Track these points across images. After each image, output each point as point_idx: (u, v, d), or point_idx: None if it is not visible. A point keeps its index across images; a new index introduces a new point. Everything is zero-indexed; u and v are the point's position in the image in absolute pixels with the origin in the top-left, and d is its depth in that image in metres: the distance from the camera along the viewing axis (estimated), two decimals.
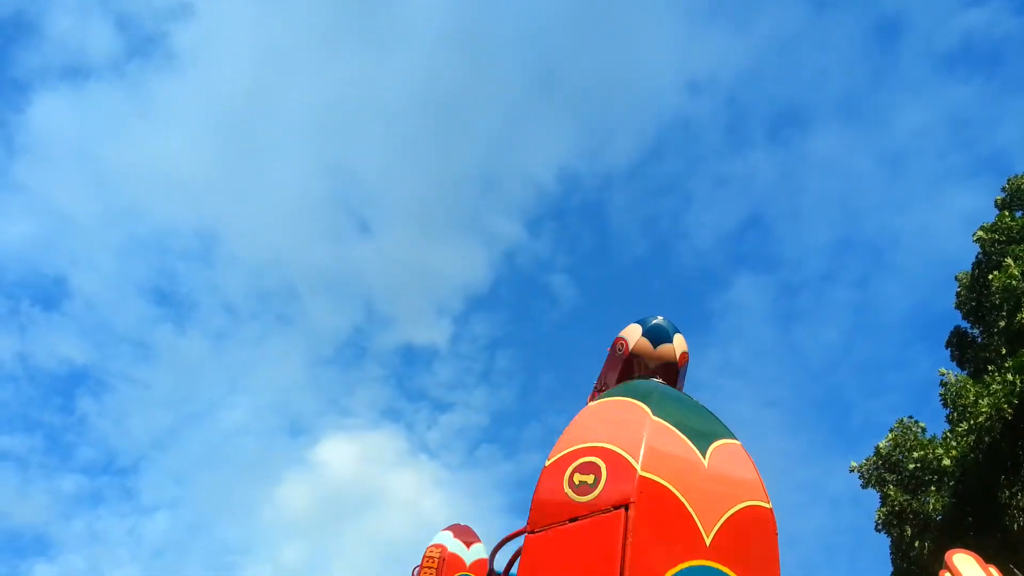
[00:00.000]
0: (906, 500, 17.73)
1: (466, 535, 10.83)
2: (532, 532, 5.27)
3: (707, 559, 4.91)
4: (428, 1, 63.67)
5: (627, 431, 5.57)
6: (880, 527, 18.22)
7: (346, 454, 64.16)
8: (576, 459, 5.40)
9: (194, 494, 64.97)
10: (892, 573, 18.60)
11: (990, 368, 18.09)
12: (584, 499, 5.14)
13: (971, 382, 17.54)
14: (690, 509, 5.09)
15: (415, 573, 10.65)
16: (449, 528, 11.12)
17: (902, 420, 19.39)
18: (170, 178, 67.09)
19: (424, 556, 10.56)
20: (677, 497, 5.10)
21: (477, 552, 10.63)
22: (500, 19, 64.40)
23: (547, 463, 5.59)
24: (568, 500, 5.13)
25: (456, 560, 10.54)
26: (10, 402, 63.82)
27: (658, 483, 5.13)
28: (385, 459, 64.85)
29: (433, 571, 10.47)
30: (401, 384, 69.69)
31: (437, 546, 10.90)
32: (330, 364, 69.24)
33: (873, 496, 18.75)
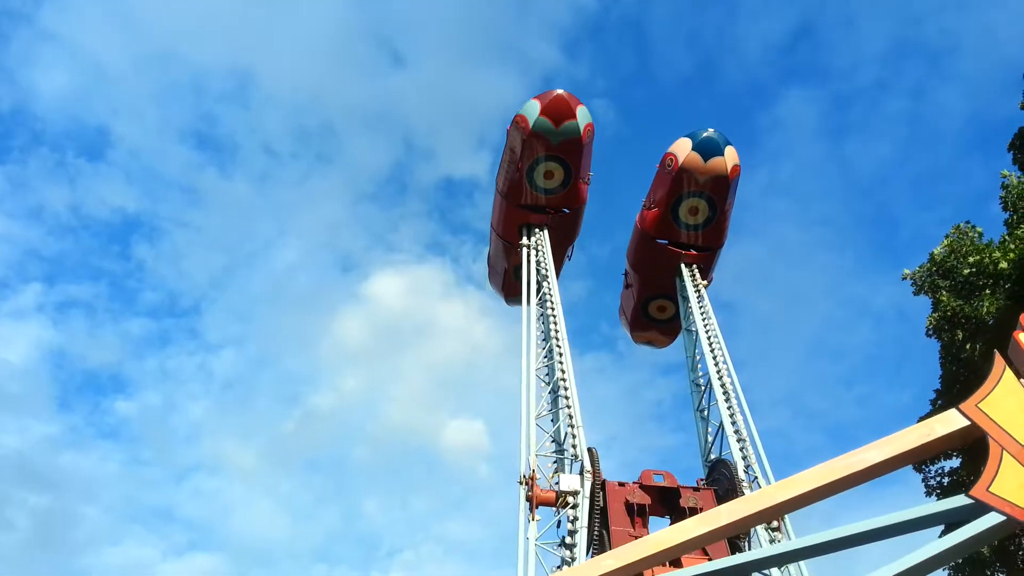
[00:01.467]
0: (959, 305, 17.27)
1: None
2: None
3: None
4: None
5: None
6: (931, 332, 17.77)
7: (395, 287, 63.92)
8: None
9: (256, 330, 63.96)
10: (941, 376, 18.29)
11: None
12: None
13: None
14: None
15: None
16: None
17: (958, 226, 17.56)
18: (200, 18, 61.46)
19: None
20: None
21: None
22: None
23: None
24: None
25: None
26: (70, 251, 61.46)
27: None
28: (433, 291, 64.05)
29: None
30: (444, 218, 67.30)
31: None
32: (373, 200, 68.11)
33: (920, 307, 18.49)
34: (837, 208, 62.55)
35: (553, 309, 20.60)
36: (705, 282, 22.50)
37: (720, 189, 22.72)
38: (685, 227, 23.10)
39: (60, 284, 64.23)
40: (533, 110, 22.30)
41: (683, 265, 22.72)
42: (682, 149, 23.16)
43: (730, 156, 23.05)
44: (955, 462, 18.83)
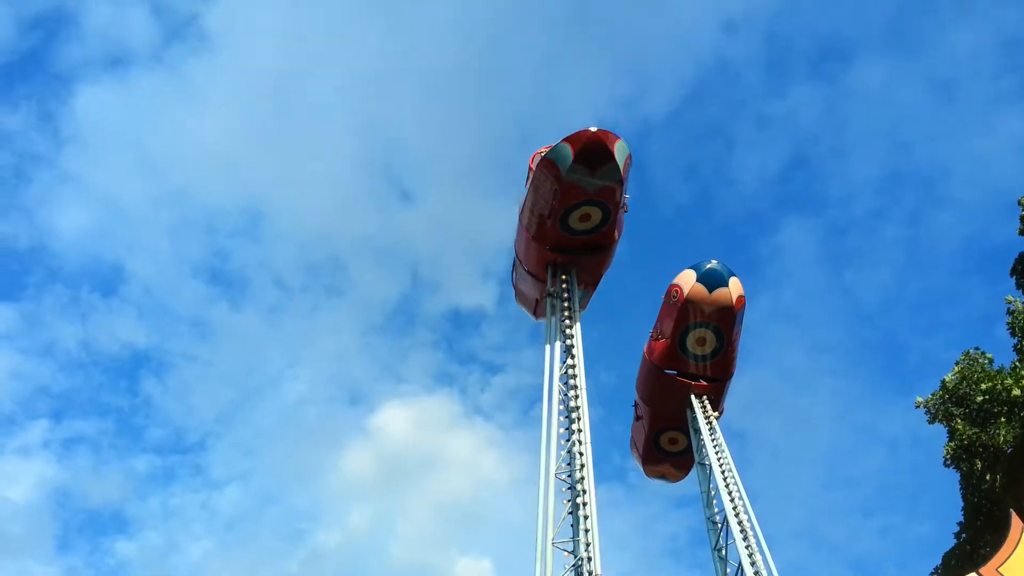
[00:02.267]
0: (975, 433, 17.10)
1: None
2: None
3: None
4: None
5: None
6: (949, 462, 17.54)
7: (403, 419, 64.23)
8: None
9: (262, 465, 64.19)
10: (963, 508, 17.82)
11: None
12: None
13: None
14: None
15: None
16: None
17: (968, 352, 17.52)
18: (214, 158, 64.80)
19: None
20: None
21: None
22: None
23: None
24: None
25: None
26: (81, 388, 62.02)
27: None
28: (441, 423, 64.71)
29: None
30: (452, 348, 68.83)
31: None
32: (381, 332, 69.93)
33: (935, 435, 18.01)
34: (842, 334, 63.01)
35: (576, 395, 19.38)
36: (716, 413, 22.34)
37: (726, 320, 22.87)
38: (694, 358, 23.15)
39: (67, 420, 64.69)
40: (564, 157, 19.57)
41: (693, 396, 22.63)
42: (687, 280, 23.42)
43: (735, 287, 23.29)
44: None
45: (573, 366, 19.96)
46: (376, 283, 72.17)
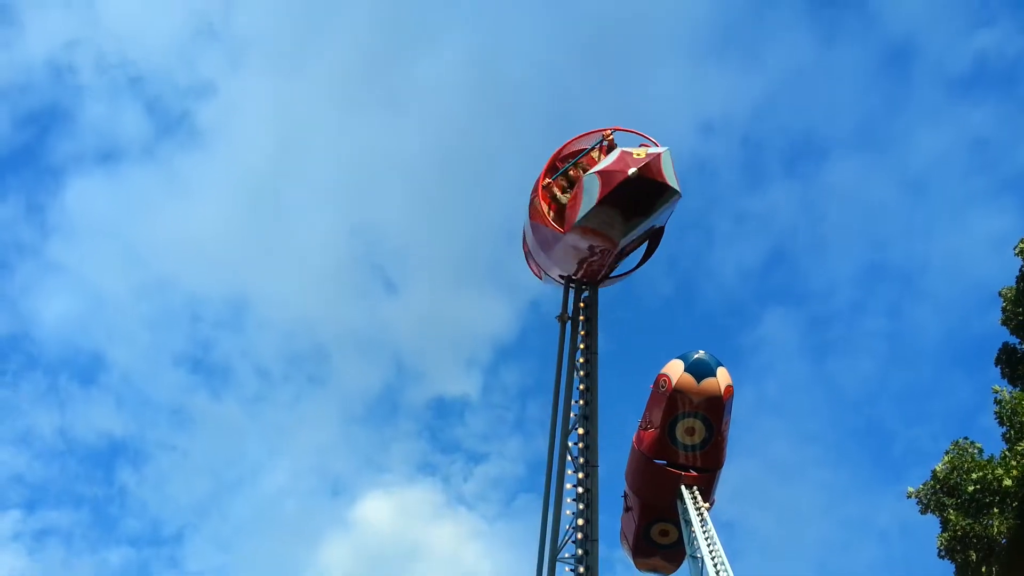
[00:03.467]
0: (968, 524, 17.12)
1: None
2: None
3: None
4: (438, 58, 62.37)
5: None
6: (943, 553, 17.46)
7: (384, 511, 62.20)
8: None
9: (239, 560, 61.96)
10: None
11: None
12: None
13: None
14: None
15: None
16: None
17: (957, 442, 17.58)
18: (199, 249, 66.62)
19: None
20: None
21: None
22: (510, 68, 63.89)
23: None
24: None
25: None
26: (56, 477, 60.60)
27: None
28: (423, 513, 63.31)
29: None
30: (435, 437, 67.98)
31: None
32: (363, 422, 68.82)
33: (926, 525, 17.84)
34: (827, 424, 63.84)
35: (588, 473, 19.04)
36: (707, 504, 22.07)
37: (715, 410, 22.83)
38: (683, 447, 22.93)
39: (40, 511, 62.46)
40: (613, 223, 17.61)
41: (684, 487, 22.33)
42: (675, 370, 23.41)
43: (722, 377, 23.28)
44: None
45: (586, 434, 19.64)
46: (359, 373, 71.41)
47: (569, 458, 19.21)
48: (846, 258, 65.41)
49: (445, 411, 71.76)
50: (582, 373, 19.94)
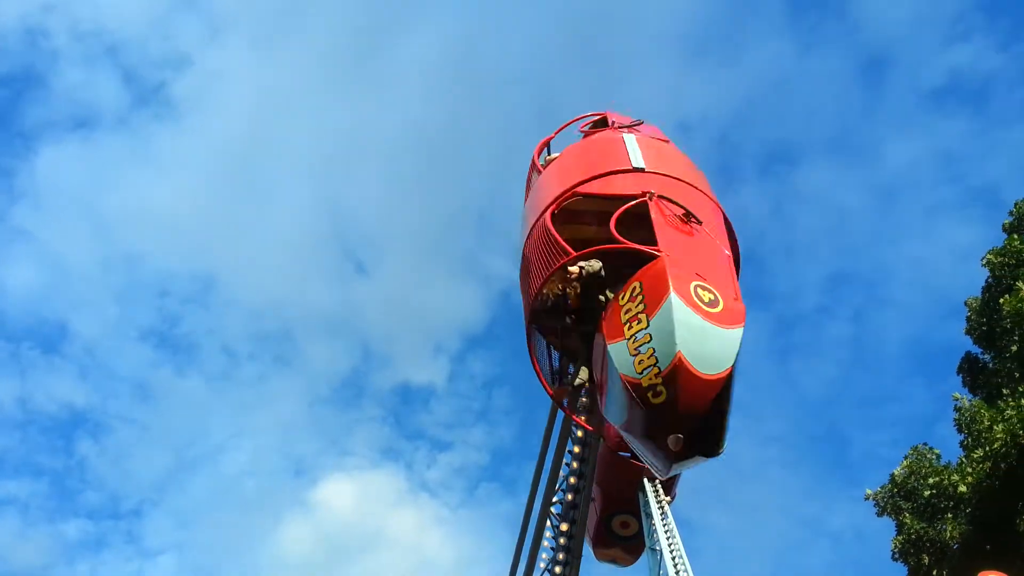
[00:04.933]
0: (923, 528, 17.55)
1: None
2: None
3: None
4: (421, 42, 62.55)
5: None
6: (897, 556, 17.89)
7: (346, 494, 62.14)
8: None
9: (198, 537, 64.07)
10: None
11: (1004, 393, 17.65)
12: None
13: (985, 407, 17.28)
14: None
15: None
16: None
17: (916, 447, 18.15)
18: (169, 223, 67.37)
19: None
20: None
21: None
22: (493, 57, 63.69)
23: None
24: None
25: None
26: (15, 447, 60.81)
27: None
28: (385, 498, 62.95)
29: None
30: (399, 423, 67.99)
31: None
32: (328, 404, 68.11)
33: (879, 529, 18.56)
34: (788, 426, 62.60)
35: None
36: (669, 498, 20.37)
37: None
38: None
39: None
40: None
41: (646, 480, 20.47)
42: None
43: None
44: None
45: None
46: (326, 355, 70.51)
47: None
48: (814, 262, 65.73)
49: (411, 398, 72.00)
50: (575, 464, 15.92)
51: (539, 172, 15.12)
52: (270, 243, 70.03)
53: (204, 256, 69.08)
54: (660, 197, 11.77)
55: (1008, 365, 17.58)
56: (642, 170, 12.60)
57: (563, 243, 11.78)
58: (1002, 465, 16.29)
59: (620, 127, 14.99)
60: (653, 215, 11.46)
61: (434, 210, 70.80)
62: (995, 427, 16.45)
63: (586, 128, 16.13)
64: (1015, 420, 16.16)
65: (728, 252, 11.83)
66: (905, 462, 18.93)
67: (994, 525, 16.28)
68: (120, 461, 63.72)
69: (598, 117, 16.21)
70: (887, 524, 19.12)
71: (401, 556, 61.30)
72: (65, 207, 66.17)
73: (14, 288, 63.55)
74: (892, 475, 18.93)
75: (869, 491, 19.30)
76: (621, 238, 11.24)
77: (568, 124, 16.00)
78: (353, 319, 72.24)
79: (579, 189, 12.63)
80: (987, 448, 16.51)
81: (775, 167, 68.94)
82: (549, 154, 15.80)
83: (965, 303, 19.52)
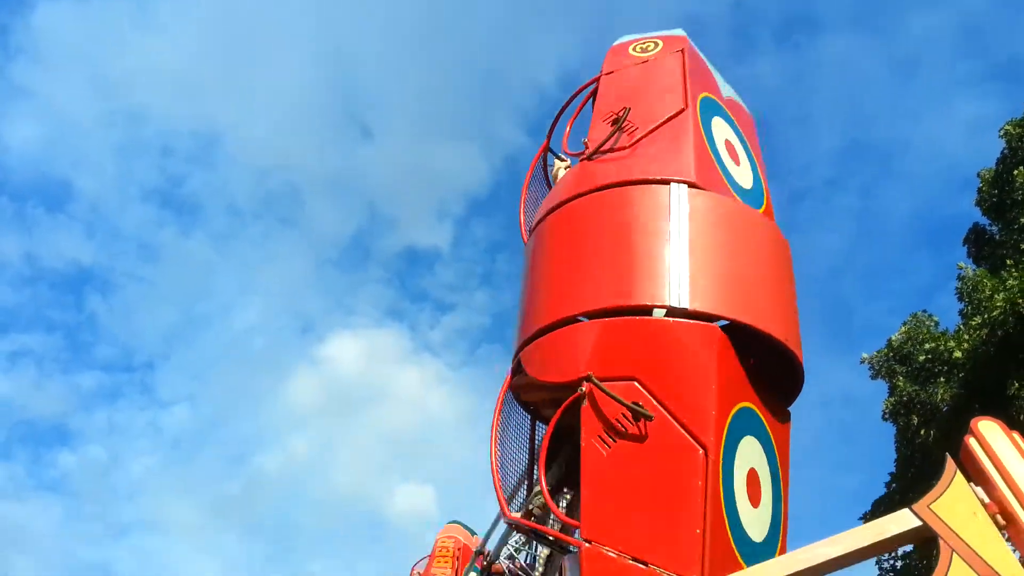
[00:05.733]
0: (915, 390, 17.99)
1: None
2: None
3: None
4: None
5: None
6: (887, 416, 18.49)
7: (352, 351, 64.36)
8: None
9: (209, 389, 67.35)
10: (896, 460, 18.87)
11: (1008, 263, 17.76)
12: None
13: (988, 276, 17.36)
14: None
15: (425, 565, 10.67)
16: (453, 523, 11.34)
17: (916, 314, 18.54)
18: (170, 80, 66.89)
19: (437, 546, 10.51)
20: None
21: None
22: None
23: None
24: None
25: (467, 549, 10.42)
26: (26, 303, 63.77)
27: None
28: (389, 356, 65.86)
29: (448, 560, 10.54)
30: (404, 285, 70.65)
31: (450, 537, 10.81)
32: (335, 265, 70.03)
33: (871, 393, 19.64)
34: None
35: None
36: None
37: None
38: None
39: (12, 334, 62.50)
40: None
41: None
42: None
43: None
44: (908, 547, 19.51)
45: None
46: (332, 216, 72.01)
47: None
48: (828, 134, 65.96)
49: (416, 260, 75.33)
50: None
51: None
52: (273, 102, 70.95)
53: (206, 115, 70.12)
54: None
55: (1015, 236, 17.60)
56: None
57: None
58: (999, 332, 16.49)
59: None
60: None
61: (439, 70, 71.81)
62: (996, 296, 16.58)
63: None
64: (1016, 289, 16.24)
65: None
66: (903, 328, 19.21)
67: (985, 389, 16.56)
68: (129, 317, 67.48)
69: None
70: (880, 387, 19.63)
71: (405, 411, 66.60)
72: (64, 63, 66.09)
73: (16, 145, 64.54)
74: (889, 340, 19.26)
75: (865, 355, 19.75)
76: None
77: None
78: (359, 181, 74.99)
79: None
80: (986, 316, 16.69)
81: (794, 36, 69.02)
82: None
83: (978, 174, 19.32)
